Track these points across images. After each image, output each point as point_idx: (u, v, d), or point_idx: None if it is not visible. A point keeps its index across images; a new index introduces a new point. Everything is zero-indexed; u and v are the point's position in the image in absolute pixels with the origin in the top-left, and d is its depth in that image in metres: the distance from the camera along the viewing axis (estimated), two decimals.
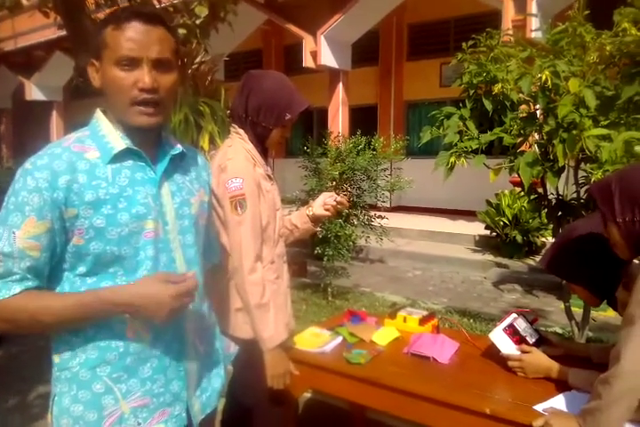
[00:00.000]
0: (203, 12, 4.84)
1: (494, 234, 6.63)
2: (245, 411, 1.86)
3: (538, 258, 6.40)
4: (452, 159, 2.51)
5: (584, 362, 1.68)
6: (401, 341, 2.02)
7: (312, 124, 11.70)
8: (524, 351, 1.70)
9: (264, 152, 1.84)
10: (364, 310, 2.48)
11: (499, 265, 6.30)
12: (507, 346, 1.74)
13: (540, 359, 1.67)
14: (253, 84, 1.77)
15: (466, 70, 2.63)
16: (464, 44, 2.71)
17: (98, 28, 1.15)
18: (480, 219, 6.82)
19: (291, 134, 1.88)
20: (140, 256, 1.14)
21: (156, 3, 5.92)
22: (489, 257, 6.58)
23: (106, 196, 1.10)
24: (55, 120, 14.18)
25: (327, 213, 1.96)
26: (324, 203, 1.95)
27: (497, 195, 6.69)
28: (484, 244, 7.07)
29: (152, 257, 1.16)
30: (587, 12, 2.49)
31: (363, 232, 4.29)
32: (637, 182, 1.34)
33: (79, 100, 12.64)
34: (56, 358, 1.14)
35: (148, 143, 1.19)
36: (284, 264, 1.91)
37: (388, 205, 9.59)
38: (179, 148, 1.25)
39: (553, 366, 1.64)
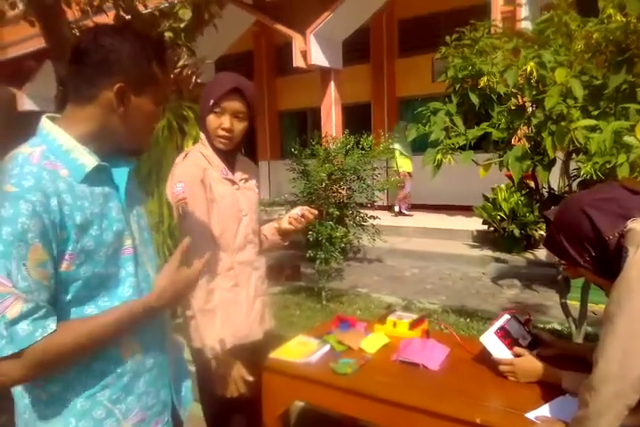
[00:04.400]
0: (186, 14, 4.78)
1: (492, 229, 6.56)
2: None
3: (536, 252, 6.32)
4: (439, 156, 2.43)
5: (579, 363, 1.61)
6: (390, 347, 1.95)
7: (306, 124, 11.64)
8: (516, 355, 1.63)
9: (228, 155, 1.78)
10: (354, 316, 2.40)
11: (497, 260, 6.23)
12: (498, 350, 1.67)
13: (533, 363, 1.60)
14: None
15: (450, 64, 2.56)
16: (447, 38, 2.64)
17: (139, 58, 1.09)
18: (477, 214, 6.75)
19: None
20: (121, 274, 1.13)
21: (141, 8, 5.87)
22: (487, 252, 6.51)
23: (91, 216, 1.06)
24: None
25: (291, 226, 1.89)
26: (289, 216, 1.89)
27: (493, 189, 6.62)
28: (481, 239, 7.00)
29: (133, 273, 1.15)
30: (571, 0, 2.42)
31: (354, 234, 4.22)
32: (571, 222, 1.35)
33: None
34: (42, 395, 1.07)
35: (109, 155, 1.15)
36: (254, 271, 1.84)
37: (385, 204, 9.54)
38: (133, 160, 1.21)
39: (546, 370, 1.57)
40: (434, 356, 1.81)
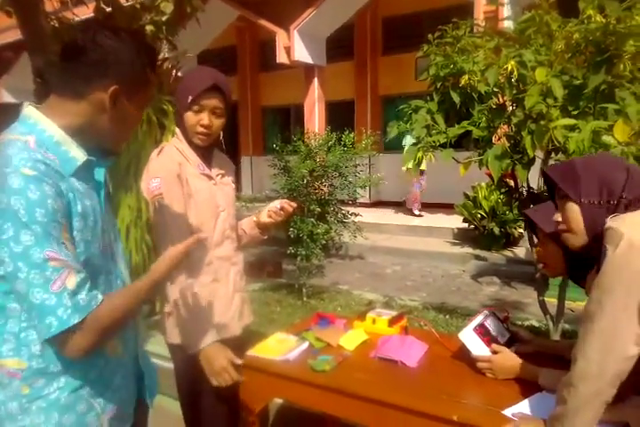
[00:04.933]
0: (168, 7, 4.71)
1: (472, 227, 6.62)
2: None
3: (516, 249, 6.40)
4: (420, 154, 2.43)
5: (557, 360, 1.62)
6: (369, 344, 1.94)
7: (289, 120, 11.60)
8: (494, 352, 1.64)
9: (205, 151, 1.77)
10: (334, 313, 2.40)
11: (477, 258, 6.29)
12: (477, 347, 1.68)
13: (511, 360, 1.61)
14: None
15: (432, 62, 2.56)
16: (429, 36, 2.64)
17: (137, 63, 1.10)
18: (458, 212, 6.80)
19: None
20: (108, 269, 1.16)
21: (123, 0, 5.77)
22: (468, 250, 6.57)
23: (86, 208, 1.07)
24: None
25: (270, 219, 1.89)
26: (268, 210, 1.89)
27: (473, 187, 6.68)
28: (462, 237, 7.06)
29: (107, 270, 1.16)
30: (552, 0, 2.43)
31: (336, 230, 4.21)
32: (606, 166, 1.30)
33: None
34: (24, 389, 1.05)
35: (90, 152, 1.15)
36: (232, 266, 1.84)
37: (368, 201, 9.56)
38: (109, 160, 1.22)
39: (523, 367, 1.58)
40: (412, 353, 1.81)
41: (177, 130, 1.76)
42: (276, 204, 1.88)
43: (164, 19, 4.70)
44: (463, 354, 1.73)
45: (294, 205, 1.89)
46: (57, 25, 5.01)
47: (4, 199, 0.96)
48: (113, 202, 1.30)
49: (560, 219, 1.35)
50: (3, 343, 1.04)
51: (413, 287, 5.40)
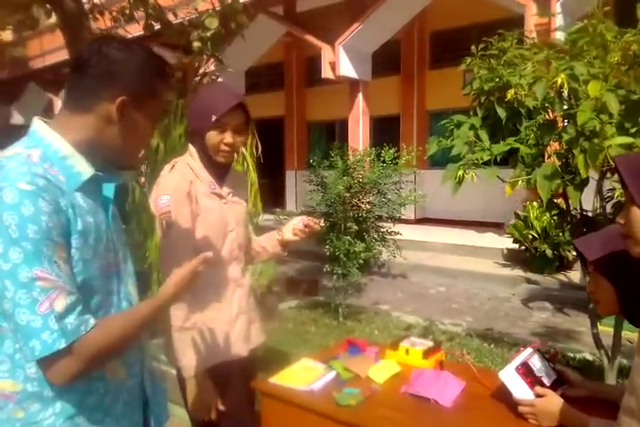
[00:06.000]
0: (213, 23, 4.78)
1: (523, 248, 6.31)
2: None
3: (570, 273, 6.05)
4: (461, 172, 2.29)
5: (610, 406, 1.43)
6: (401, 377, 1.81)
7: (334, 135, 11.58)
8: (538, 395, 1.47)
9: (218, 168, 1.73)
10: (366, 339, 2.27)
11: (528, 281, 5.98)
12: (519, 388, 1.51)
13: (556, 405, 1.43)
14: (195, 95, 1.74)
15: (476, 76, 2.42)
16: (472, 48, 2.50)
17: (144, 72, 1.08)
18: (508, 231, 6.52)
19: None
20: (108, 290, 1.10)
21: (172, 17, 5.93)
22: (518, 272, 6.27)
23: (88, 225, 1.02)
24: None
25: (295, 237, 1.83)
26: (292, 227, 1.82)
27: (524, 207, 6.39)
28: (512, 258, 6.75)
29: (116, 291, 1.11)
30: (607, 9, 2.26)
31: (374, 249, 4.08)
32: None
33: None
34: (19, 413, 1.00)
35: (98, 167, 1.11)
36: (238, 288, 1.78)
37: (413, 217, 9.36)
38: (121, 176, 1.18)
39: (570, 413, 1.40)
40: (447, 390, 1.66)
41: (190, 148, 1.73)
42: (298, 221, 1.82)
43: (209, 34, 4.78)
44: (503, 395, 1.57)
45: (318, 222, 1.85)
46: None
47: None
48: (119, 219, 1.24)
49: (622, 221, 1.14)
50: None
51: (458, 310, 5.17)
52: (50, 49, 13.10)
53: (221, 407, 1.65)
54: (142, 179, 3.78)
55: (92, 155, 1.08)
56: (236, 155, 1.80)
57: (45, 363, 0.94)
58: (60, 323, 0.93)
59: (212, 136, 1.64)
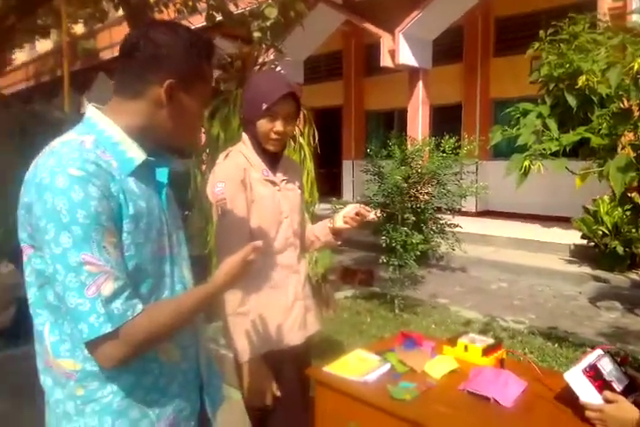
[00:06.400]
0: (272, 13, 4.80)
1: (592, 244, 6.00)
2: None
3: None
4: (527, 163, 2.18)
5: None
6: (459, 374, 1.75)
7: (392, 125, 11.41)
8: (607, 400, 1.38)
9: (271, 156, 1.74)
10: (421, 333, 2.22)
11: (596, 279, 5.69)
12: (586, 392, 1.43)
13: (628, 412, 1.34)
14: (247, 84, 1.75)
15: (544, 61, 2.30)
16: (541, 33, 2.37)
17: (191, 54, 1.09)
18: (576, 227, 6.21)
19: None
20: (160, 273, 1.10)
21: (233, 8, 6.01)
22: (585, 269, 5.97)
23: (140, 209, 1.04)
24: None
25: (346, 226, 1.80)
26: (344, 215, 1.80)
27: (594, 201, 6.06)
28: (580, 254, 6.44)
29: (169, 273, 1.12)
30: None
31: (432, 241, 3.98)
32: None
33: None
34: (79, 391, 1.04)
35: (151, 152, 1.12)
36: (293, 274, 1.79)
37: (474, 210, 9.11)
38: (173, 157, 1.19)
39: None
40: (508, 390, 1.59)
41: (243, 135, 1.75)
42: (350, 209, 1.80)
43: (268, 24, 4.80)
44: (569, 397, 1.49)
45: (370, 210, 1.81)
46: None
47: (49, 199, 0.94)
48: (174, 203, 1.24)
49: None
50: (60, 344, 1.04)
51: (520, 307, 4.98)
52: (118, 41, 13.47)
53: (277, 393, 1.66)
54: (204, 166, 3.86)
55: (144, 139, 1.09)
56: (290, 142, 1.80)
57: (92, 346, 0.97)
58: (107, 307, 0.94)
59: (263, 124, 1.66)
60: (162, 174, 1.14)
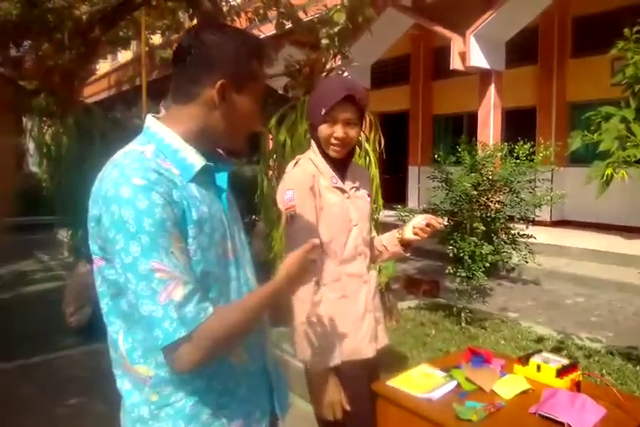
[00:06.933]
0: (340, 18, 4.79)
1: None
2: None
3: None
4: (609, 171, 2.04)
5: None
6: (530, 395, 1.65)
7: (461, 129, 11.14)
8: None
9: (339, 163, 1.71)
10: (491, 349, 2.11)
11: None
12: None
13: None
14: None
15: (629, 62, 2.14)
16: (626, 31, 2.21)
17: (241, 54, 1.09)
18: None
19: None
20: (226, 277, 1.11)
21: (302, 15, 6.08)
22: None
23: (203, 214, 1.05)
24: None
25: (416, 237, 1.74)
26: (413, 226, 1.74)
27: None
28: None
29: (236, 277, 1.13)
30: None
31: (503, 252, 3.80)
32: None
33: None
34: (153, 396, 1.06)
35: (210, 157, 1.13)
36: (364, 284, 1.74)
37: (548, 219, 8.69)
38: (231, 161, 1.19)
39: None
40: (585, 416, 1.48)
41: (312, 142, 1.74)
42: (421, 219, 1.74)
43: (336, 30, 4.80)
44: None
45: (442, 221, 1.77)
46: None
47: (116, 210, 0.96)
48: (236, 206, 1.25)
49: None
50: (133, 351, 1.06)
51: (597, 324, 4.68)
52: None
53: (347, 407, 1.63)
54: (270, 172, 3.91)
55: (201, 143, 1.10)
56: (357, 149, 1.77)
57: (169, 351, 0.97)
58: (180, 312, 0.95)
59: (323, 130, 1.64)
60: (221, 179, 1.15)
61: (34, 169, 12.14)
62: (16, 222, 10.80)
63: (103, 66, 18.15)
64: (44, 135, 6.75)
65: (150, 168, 1.00)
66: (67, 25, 6.70)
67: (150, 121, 1.11)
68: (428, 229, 1.72)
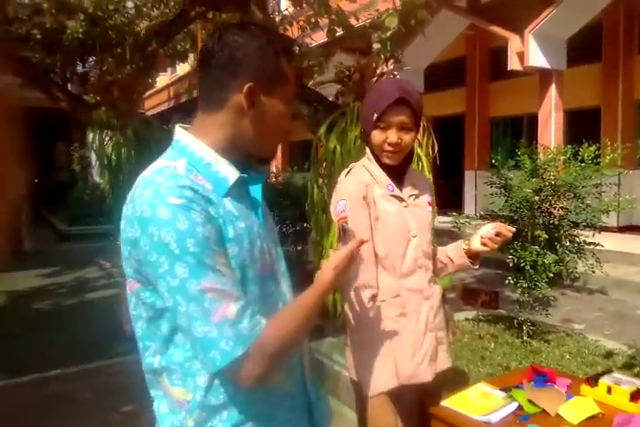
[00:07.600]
0: (392, 22, 4.71)
1: None
2: None
3: None
4: None
5: None
6: (600, 420, 1.52)
7: (520, 132, 10.74)
8: None
9: (395, 170, 1.62)
10: (555, 368, 1.96)
11: None
12: None
13: None
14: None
15: None
16: None
17: (267, 53, 1.03)
18: None
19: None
20: (268, 292, 1.08)
21: (354, 21, 6.05)
22: None
23: (241, 231, 1.01)
24: None
25: (485, 248, 1.63)
26: (481, 236, 1.63)
27: None
28: None
29: (273, 292, 1.10)
30: None
31: (568, 261, 3.57)
32: None
33: None
34: (189, 421, 1.03)
35: (242, 167, 1.08)
36: (425, 301, 1.63)
37: (615, 225, 8.21)
38: (265, 170, 1.14)
39: None
40: None
41: (367, 149, 1.66)
42: (489, 228, 1.63)
43: (388, 34, 4.72)
44: None
45: (512, 229, 1.62)
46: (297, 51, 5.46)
47: (155, 232, 0.92)
48: (270, 217, 1.21)
49: None
50: (172, 373, 1.03)
51: None
52: None
53: None
54: (320, 180, 3.88)
55: (233, 153, 1.05)
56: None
57: (230, 371, 0.94)
58: (235, 329, 0.92)
59: (376, 135, 1.57)
60: (256, 191, 1.10)
61: (97, 179, 12.71)
62: (81, 231, 11.35)
63: (162, 79, 18.80)
64: (106, 147, 7.05)
65: (186, 186, 0.95)
66: (127, 40, 6.98)
67: (180, 133, 1.06)
68: (498, 238, 1.61)
